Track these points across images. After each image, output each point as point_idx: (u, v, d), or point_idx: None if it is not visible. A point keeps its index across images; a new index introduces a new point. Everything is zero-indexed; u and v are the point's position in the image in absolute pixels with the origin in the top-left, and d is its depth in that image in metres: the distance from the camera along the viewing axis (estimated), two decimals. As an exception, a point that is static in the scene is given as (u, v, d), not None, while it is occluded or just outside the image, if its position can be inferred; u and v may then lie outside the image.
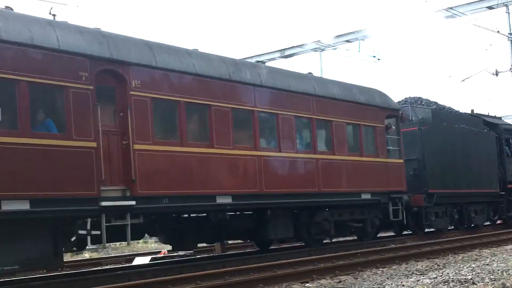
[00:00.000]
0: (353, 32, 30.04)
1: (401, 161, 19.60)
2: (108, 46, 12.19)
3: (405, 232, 22.51)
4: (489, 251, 16.50)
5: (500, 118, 30.41)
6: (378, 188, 18.49)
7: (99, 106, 11.69)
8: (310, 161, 16.40)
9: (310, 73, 18.42)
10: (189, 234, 14.79)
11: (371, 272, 12.84)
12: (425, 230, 22.08)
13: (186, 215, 14.78)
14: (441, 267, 13.20)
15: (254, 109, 14.98)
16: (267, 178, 14.98)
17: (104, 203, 11.52)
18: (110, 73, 12.15)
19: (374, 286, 10.69)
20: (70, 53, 11.41)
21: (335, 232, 17.80)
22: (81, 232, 11.44)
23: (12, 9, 11.48)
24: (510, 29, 27.17)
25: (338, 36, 31.56)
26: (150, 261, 17.66)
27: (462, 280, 10.33)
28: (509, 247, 17.25)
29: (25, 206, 10.36)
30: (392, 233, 22.95)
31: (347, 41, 30.62)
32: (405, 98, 24.85)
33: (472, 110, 26.98)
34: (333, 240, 19.56)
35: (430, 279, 10.78)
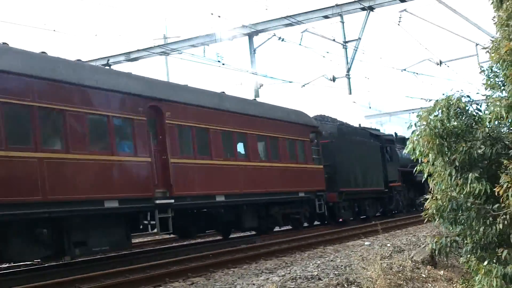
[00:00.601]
0: (198, 37, 30.18)
1: (321, 166, 24.98)
2: (151, 88, 16.94)
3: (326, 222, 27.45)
4: (332, 247, 17.29)
5: (379, 130, 38.13)
6: (308, 188, 23.62)
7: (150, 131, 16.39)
8: (267, 168, 21.48)
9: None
10: (195, 225, 19.72)
11: (223, 272, 13.07)
12: (339, 220, 27.34)
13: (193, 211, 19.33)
14: (289, 264, 13.69)
15: (235, 130, 20.11)
16: (244, 181, 19.98)
17: (157, 201, 15.95)
18: (153, 108, 16.62)
19: (226, 286, 10.91)
20: (133, 94, 15.94)
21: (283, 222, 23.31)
22: (145, 222, 15.98)
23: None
24: (345, 38, 28.46)
25: (184, 41, 31.64)
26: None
27: (309, 277, 10.78)
28: (350, 243, 18.16)
29: (115, 204, 14.75)
30: (318, 222, 27.78)
31: (193, 45, 30.73)
32: (314, 116, 28.85)
33: (360, 124, 33.42)
34: (282, 228, 24.40)
35: (279, 276, 11.13)
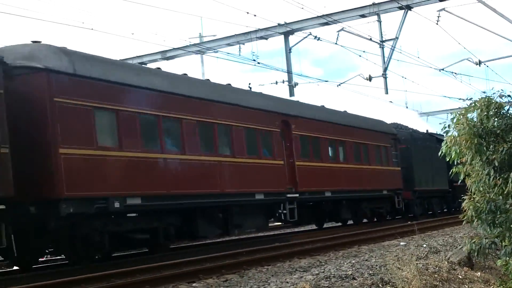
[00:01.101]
0: (233, 35, 30.23)
1: (399, 168, 29.27)
2: (282, 106, 22.09)
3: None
4: (367, 247, 17.17)
5: (443, 135, 41.60)
6: (389, 187, 28.27)
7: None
8: (360, 169, 26.01)
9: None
10: (309, 215, 24.64)
11: (256, 270, 13.05)
12: (409, 215, 31.16)
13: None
14: (323, 263, 13.62)
15: (338, 138, 24.81)
16: (345, 180, 25.10)
17: (288, 195, 20.66)
18: (284, 122, 21.39)
19: (259, 283, 10.88)
20: (272, 111, 20.90)
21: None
22: (279, 211, 20.63)
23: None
24: (382, 37, 28.22)
25: (219, 39, 31.74)
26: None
27: (343, 276, 10.71)
28: (385, 243, 18.02)
29: (262, 196, 19.54)
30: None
31: (228, 44, 30.80)
32: (390, 124, 32.97)
33: (427, 130, 37.04)
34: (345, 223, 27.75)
35: (313, 275, 11.09)
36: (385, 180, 27.96)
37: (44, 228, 13.37)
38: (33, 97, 13.19)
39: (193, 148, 16.94)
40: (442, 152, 9.76)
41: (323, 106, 26.03)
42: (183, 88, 17.34)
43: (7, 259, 14.53)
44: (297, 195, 21.11)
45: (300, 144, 22.07)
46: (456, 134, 9.23)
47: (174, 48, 30.93)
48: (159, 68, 19.45)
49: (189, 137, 16.79)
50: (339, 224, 27.77)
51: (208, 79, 21.15)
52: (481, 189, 9.33)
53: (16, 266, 14.65)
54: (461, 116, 9.09)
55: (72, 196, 13.24)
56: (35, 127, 13.15)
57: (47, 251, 15.39)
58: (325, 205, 24.55)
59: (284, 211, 20.58)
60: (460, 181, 10.07)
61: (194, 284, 11.52)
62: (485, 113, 8.91)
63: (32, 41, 14.06)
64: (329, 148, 24.40)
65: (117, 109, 14.72)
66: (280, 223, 28.70)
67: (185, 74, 19.16)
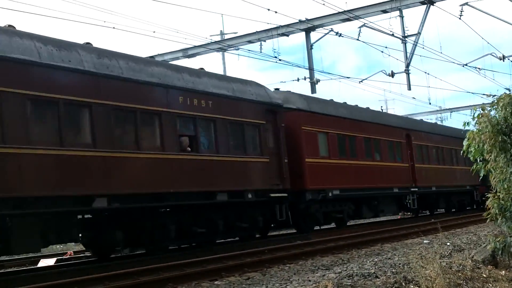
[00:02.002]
0: (255, 32, 30.19)
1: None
2: (406, 123, 31.11)
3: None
4: (390, 245, 17.08)
5: None
6: (470, 183, 34.91)
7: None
8: (452, 169, 34.43)
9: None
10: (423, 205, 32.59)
11: (279, 268, 13.04)
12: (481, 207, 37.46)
13: None
14: (345, 261, 13.57)
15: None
16: (441, 178, 33.00)
17: (411, 189, 28.76)
18: (407, 135, 29.78)
19: (282, 282, 10.87)
20: (398, 127, 28.79)
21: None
22: (406, 201, 28.33)
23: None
24: (404, 32, 28.00)
25: (240, 36, 31.73)
26: (55, 262, 17.25)
27: (366, 274, 10.65)
28: (409, 241, 17.90)
29: (397, 190, 27.10)
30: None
31: (249, 41, 30.77)
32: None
33: None
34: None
35: (335, 273, 11.04)
36: (466, 177, 31.03)
37: (297, 207, 21.31)
38: (291, 126, 21.27)
39: (373, 156, 26.36)
40: (464, 149, 9.66)
41: (436, 123, 37.12)
42: (357, 114, 26.40)
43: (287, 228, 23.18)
44: (416, 189, 28.95)
45: (417, 151, 30.10)
46: (476, 131, 9.12)
47: (195, 46, 30.98)
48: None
49: (369, 149, 26.07)
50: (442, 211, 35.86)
51: (368, 107, 29.52)
52: (505, 186, 9.22)
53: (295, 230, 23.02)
54: (483, 115, 8.98)
55: (311, 189, 21.67)
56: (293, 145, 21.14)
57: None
58: (431, 197, 32.16)
59: (409, 201, 28.51)
60: (480, 178, 9.97)
61: (216, 282, 11.55)
62: (510, 110, 8.79)
63: (282, 91, 23.24)
64: (435, 154, 32.32)
65: (327, 131, 23.29)
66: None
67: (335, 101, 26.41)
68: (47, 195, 12.67)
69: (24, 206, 12.37)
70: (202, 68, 18.76)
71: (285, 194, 19.78)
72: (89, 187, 13.54)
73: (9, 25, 13.28)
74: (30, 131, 12.54)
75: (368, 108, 29.35)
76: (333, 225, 25.69)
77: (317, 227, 23.36)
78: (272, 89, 22.64)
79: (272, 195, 19.16)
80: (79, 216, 14.69)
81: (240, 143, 18.45)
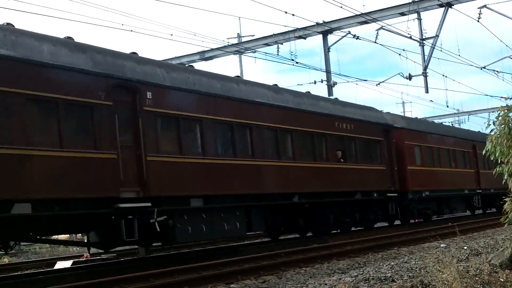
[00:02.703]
0: (272, 35, 30.18)
1: None
2: (471, 135, 34.75)
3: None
4: (407, 249, 16.97)
5: None
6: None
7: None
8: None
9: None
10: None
11: (294, 271, 13.01)
12: None
13: None
14: (361, 265, 13.50)
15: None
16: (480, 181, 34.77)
17: (477, 191, 33.84)
18: (473, 146, 33.98)
19: (298, 285, 10.83)
20: (466, 139, 33.68)
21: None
22: (472, 201, 33.55)
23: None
24: (422, 35, 27.87)
25: (257, 39, 31.75)
26: (72, 265, 17.32)
27: (382, 278, 10.58)
28: (425, 245, 17.78)
29: (466, 191, 32.89)
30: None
31: (266, 44, 30.78)
32: None
33: None
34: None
35: (351, 277, 10.98)
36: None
37: (401, 205, 26.62)
38: (397, 141, 26.56)
39: (451, 163, 31.52)
40: (485, 150, 9.57)
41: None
42: (441, 130, 33.65)
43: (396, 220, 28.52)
44: (480, 190, 32.97)
45: (480, 159, 32.76)
46: (493, 133, 9.03)
47: (212, 49, 31.04)
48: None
49: (448, 158, 31.37)
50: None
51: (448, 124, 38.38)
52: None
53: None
54: (501, 117, 8.90)
55: (411, 190, 26.85)
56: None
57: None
58: (491, 198, 34.78)
59: (475, 201, 33.19)
60: (504, 181, 9.88)
61: (232, 285, 11.54)
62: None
63: (389, 113, 28.00)
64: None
65: (420, 145, 28.88)
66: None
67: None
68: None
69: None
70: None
71: (396, 194, 25.33)
72: (291, 188, 19.49)
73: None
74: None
75: (450, 125, 36.69)
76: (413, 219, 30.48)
77: (412, 221, 29.25)
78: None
79: (388, 194, 24.85)
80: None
81: (368, 155, 24.38)
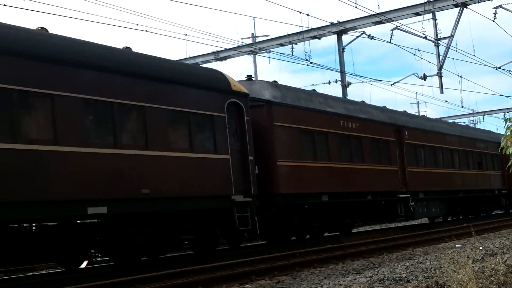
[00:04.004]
0: (286, 35, 30.19)
1: None
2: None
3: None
4: (422, 249, 16.91)
5: None
6: None
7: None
8: None
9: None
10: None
11: (309, 272, 12.98)
12: None
13: None
14: (376, 266, 13.46)
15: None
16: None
17: (502, 191, 35.82)
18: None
19: (312, 285, 10.81)
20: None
21: None
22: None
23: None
24: (437, 35, 27.77)
25: (272, 39, 31.77)
26: (86, 265, 17.39)
27: (397, 278, 10.55)
28: (441, 245, 17.71)
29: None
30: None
31: (281, 44, 30.79)
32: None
33: None
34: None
35: (366, 277, 10.95)
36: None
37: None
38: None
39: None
40: (502, 145, 9.55)
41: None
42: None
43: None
44: (408, 195, 27.59)
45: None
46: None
47: (226, 49, 31.10)
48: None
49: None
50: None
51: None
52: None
53: None
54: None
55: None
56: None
57: None
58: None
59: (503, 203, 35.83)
60: None
61: (246, 285, 11.53)
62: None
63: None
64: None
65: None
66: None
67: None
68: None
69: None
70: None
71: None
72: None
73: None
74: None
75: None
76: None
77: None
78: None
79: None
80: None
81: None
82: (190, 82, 15.73)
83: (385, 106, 27.32)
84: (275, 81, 20.46)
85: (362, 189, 22.99)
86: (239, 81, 18.48)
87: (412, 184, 26.32)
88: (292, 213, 19.71)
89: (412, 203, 25.72)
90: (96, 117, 13.41)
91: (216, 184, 15.91)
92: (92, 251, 14.58)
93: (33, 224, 12.81)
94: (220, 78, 17.34)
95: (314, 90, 23.76)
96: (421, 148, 28.15)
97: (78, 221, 13.60)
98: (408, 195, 25.55)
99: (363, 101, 25.91)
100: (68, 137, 12.29)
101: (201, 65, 18.93)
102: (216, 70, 18.49)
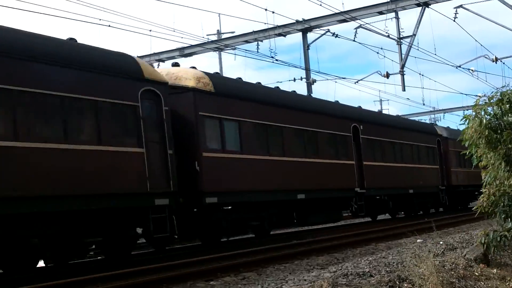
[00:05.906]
0: (251, 32, 30.27)
1: None
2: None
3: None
4: (384, 244, 17.14)
5: None
6: None
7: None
8: None
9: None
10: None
11: (274, 268, 13.07)
12: None
13: None
14: (340, 261, 13.63)
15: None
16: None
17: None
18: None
19: (277, 281, 10.91)
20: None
21: None
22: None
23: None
24: (399, 34, 28.14)
25: (237, 36, 31.82)
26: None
27: (361, 273, 10.70)
28: (403, 240, 17.95)
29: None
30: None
31: (246, 41, 30.85)
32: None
33: None
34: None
35: (331, 272, 11.08)
36: None
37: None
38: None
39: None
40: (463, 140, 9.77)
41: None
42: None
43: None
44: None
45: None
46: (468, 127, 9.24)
47: (192, 45, 31.05)
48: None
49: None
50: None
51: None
52: (497, 182, 9.31)
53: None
54: (474, 110, 9.10)
55: None
56: None
57: None
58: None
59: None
60: (473, 167, 10.14)
61: (211, 282, 11.58)
62: (499, 108, 8.89)
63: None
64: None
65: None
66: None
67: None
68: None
69: None
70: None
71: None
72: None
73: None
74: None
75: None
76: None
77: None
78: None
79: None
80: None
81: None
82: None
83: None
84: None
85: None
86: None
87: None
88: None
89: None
90: None
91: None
92: None
93: None
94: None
95: (278, 87, 23.84)
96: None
97: None
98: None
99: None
100: None
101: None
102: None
